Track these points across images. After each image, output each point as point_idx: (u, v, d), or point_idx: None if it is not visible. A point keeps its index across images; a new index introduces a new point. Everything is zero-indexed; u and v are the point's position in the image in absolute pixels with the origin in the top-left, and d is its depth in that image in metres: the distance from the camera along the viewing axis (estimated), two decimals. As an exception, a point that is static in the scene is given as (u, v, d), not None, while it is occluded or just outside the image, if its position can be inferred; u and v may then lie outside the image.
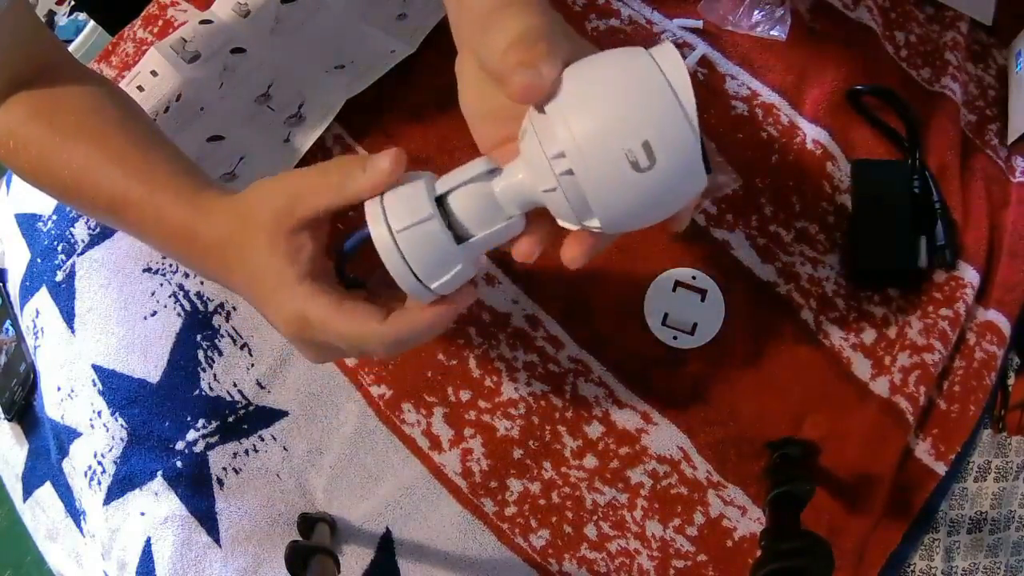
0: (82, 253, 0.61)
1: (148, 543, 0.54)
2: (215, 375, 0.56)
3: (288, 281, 0.38)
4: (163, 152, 0.47)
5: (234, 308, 0.58)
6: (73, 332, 0.59)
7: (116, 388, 0.57)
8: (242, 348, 0.57)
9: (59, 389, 0.60)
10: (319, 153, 0.61)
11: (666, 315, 0.55)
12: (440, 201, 0.36)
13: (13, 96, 0.49)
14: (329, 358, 0.42)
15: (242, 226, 0.40)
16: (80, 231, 0.62)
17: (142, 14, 0.72)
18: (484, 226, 0.36)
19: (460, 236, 0.36)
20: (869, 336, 0.55)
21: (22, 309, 0.64)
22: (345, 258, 0.39)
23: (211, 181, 0.46)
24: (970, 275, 0.55)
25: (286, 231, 0.38)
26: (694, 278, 0.55)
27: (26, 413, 0.63)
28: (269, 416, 0.56)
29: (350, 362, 0.56)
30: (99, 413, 0.57)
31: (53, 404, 0.60)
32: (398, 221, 0.34)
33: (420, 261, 0.35)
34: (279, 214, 0.39)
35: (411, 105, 0.62)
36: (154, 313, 0.58)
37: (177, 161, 0.47)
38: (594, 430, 0.54)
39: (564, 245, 0.38)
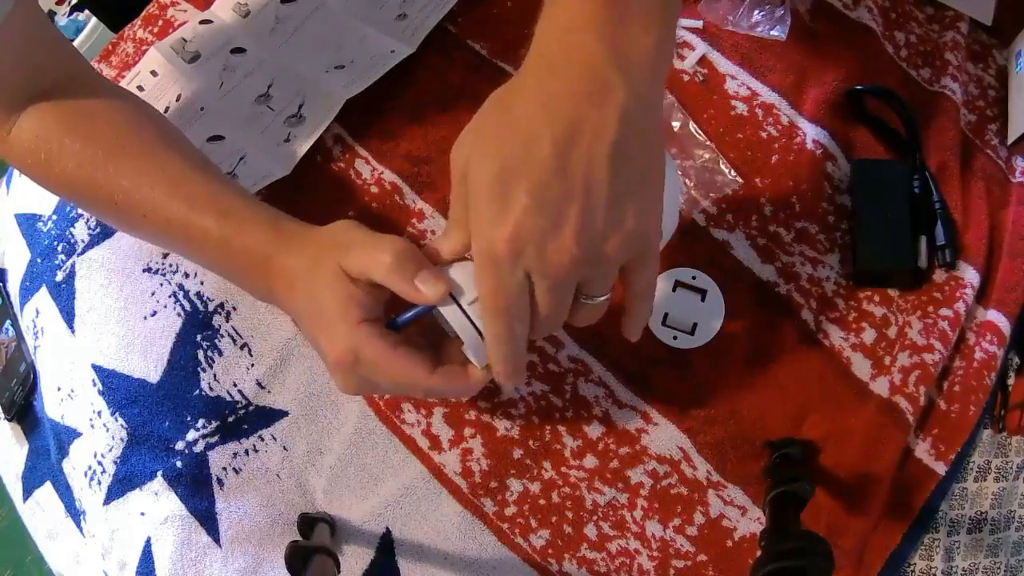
0: (82, 253, 0.61)
1: (148, 543, 0.54)
2: (215, 375, 0.56)
3: (350, 319, 0.41)
4: (219, 175, 0.49)
5: (234, 308, 0.58)
6: (73, 332, 0.59)
7: (116, 388, 0.57)
8: (242, 348, 0.57)
9: (59, 389, 0.60)
10: (319, 153, 0.61)
11: (666, 315, 0.55)
12: None
13: (38, 105, 0.49)
14: (365, 392, 0.45)
15: (315, 260, 0.43)
16: (80, 231, 0.62)
17: (142, 14, 0.72)
18: None
19: None
20: (869, 336, 0.55)
21: (22, 309, 0.64)
22: (396, 329, 0.43)
23: (276, 210, 0.48)
24: (970, 275, 0.55)
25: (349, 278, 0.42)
26: (694, 278, 0.55)
27: (26, 413, 0.63)
28: (269, 416, 0.56)
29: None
30: (99, 413, 0.57)
31: (53, 404, 0.60)
32: (465, 298, 0.41)
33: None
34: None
35: (411, 105, 0.62)
36: (154, 313, 0.58)
37: (235, 185, 0.49)
38: (594, 430, 0.54)
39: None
